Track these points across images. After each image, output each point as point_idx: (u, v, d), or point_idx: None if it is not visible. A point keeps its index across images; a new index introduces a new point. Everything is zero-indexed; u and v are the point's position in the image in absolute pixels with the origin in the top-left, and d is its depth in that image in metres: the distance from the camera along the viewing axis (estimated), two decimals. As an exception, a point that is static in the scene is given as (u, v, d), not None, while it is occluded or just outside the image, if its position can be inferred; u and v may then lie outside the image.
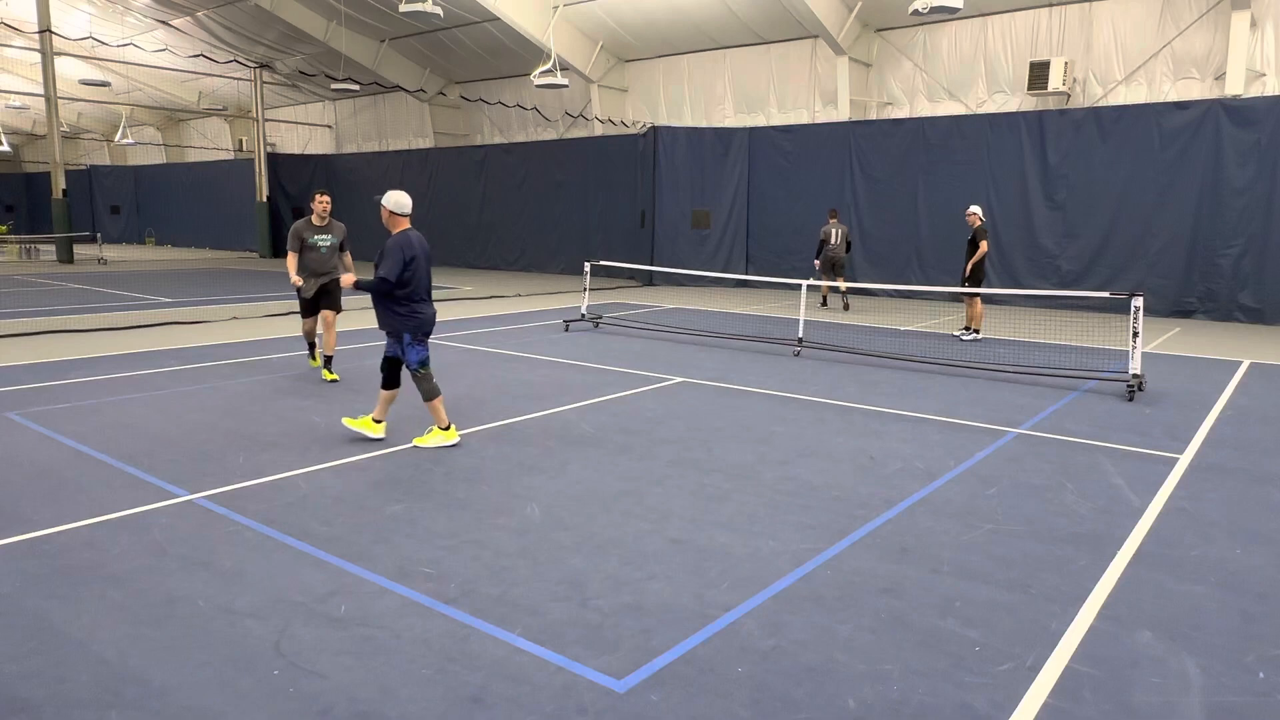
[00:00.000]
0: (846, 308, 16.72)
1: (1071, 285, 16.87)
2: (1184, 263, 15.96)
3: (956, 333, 13.13)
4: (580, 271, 18.01)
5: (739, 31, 21.43)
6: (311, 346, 9.59)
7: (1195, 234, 15.79)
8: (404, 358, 6.46)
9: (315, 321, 9.27)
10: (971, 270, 12.43)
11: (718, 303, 17.85)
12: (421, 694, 3.17)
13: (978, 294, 12.26)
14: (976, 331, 12.72)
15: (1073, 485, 5.77)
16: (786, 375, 9.62)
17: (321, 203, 8.76)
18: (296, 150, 34.70)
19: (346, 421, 6.74)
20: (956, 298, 12.81)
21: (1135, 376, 8.67)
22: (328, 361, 8.98)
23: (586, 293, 14.23)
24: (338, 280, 8.94)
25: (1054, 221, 17.26)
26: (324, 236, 8.82)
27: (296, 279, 8.61)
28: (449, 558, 4.41)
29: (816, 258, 16.42)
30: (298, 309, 9.53)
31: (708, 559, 4.44)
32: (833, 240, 16.08)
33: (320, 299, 9.02)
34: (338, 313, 9.11)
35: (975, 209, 12.59)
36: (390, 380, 6.56)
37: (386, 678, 3.28)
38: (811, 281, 13.15)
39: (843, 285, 16.44)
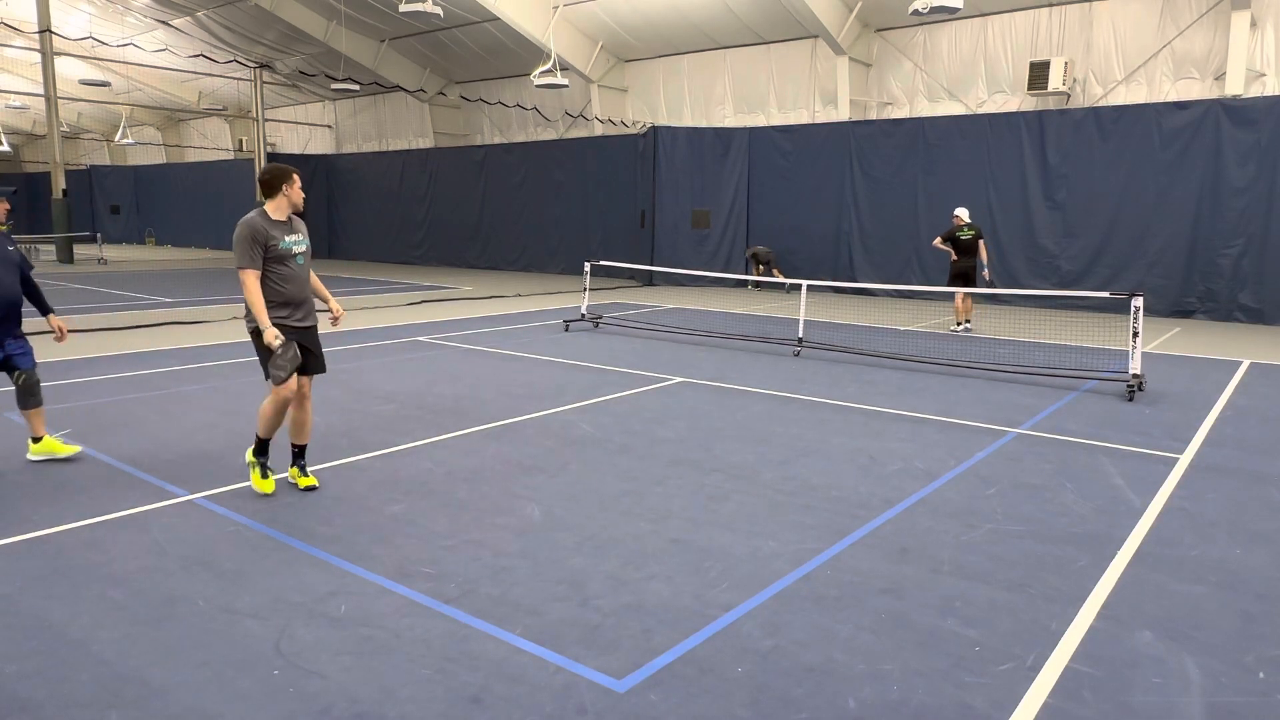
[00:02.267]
0: (757, 286, 20.97)
1: (1071, 285, 16.87)
2: (1184, 263, 15.96)
3: (955, 329, 13.65)
4: (580, 271, 18.01)
5: (739, 31, 21.44)
6: (262, 448, 5.43)
7: (1195, 234, 15.80)
8: (20, 362, 5.98)
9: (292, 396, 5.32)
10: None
11: (718, 303, 17.85)
12: (421, 694, 3.17)
13: (955, 291, 13.16)
14: (958, 324, 13.64)
15: (1073, 485, 5.77)
16: (786, 375, 9.62)
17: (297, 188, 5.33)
18: (296, 150, 34.71)
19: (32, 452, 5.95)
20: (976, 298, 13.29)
21: (1135, 376, 8.67)
22: (300, 455, 5.54)
23: (586, 293, 14.23)
24: (314, 326, 5.49)
25: (1054, 221, 17.26)
26: (297, 239, 5.32)
27: (274, 332, 5.03)
28: (449, 558, 4.41)
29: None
30: (278, 364, 5.10)
31: (708, 559, 4.44)
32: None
33: (304, 355, 5.34)
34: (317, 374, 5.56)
35: (958, 211, 13.36)
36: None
37: (386, 678, 3.28)
38: (797, 282, 13.18)
39: (757, 275, 19.76)
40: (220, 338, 11.74)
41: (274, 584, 4.06)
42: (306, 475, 5.54)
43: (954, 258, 13.21)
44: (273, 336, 5.02)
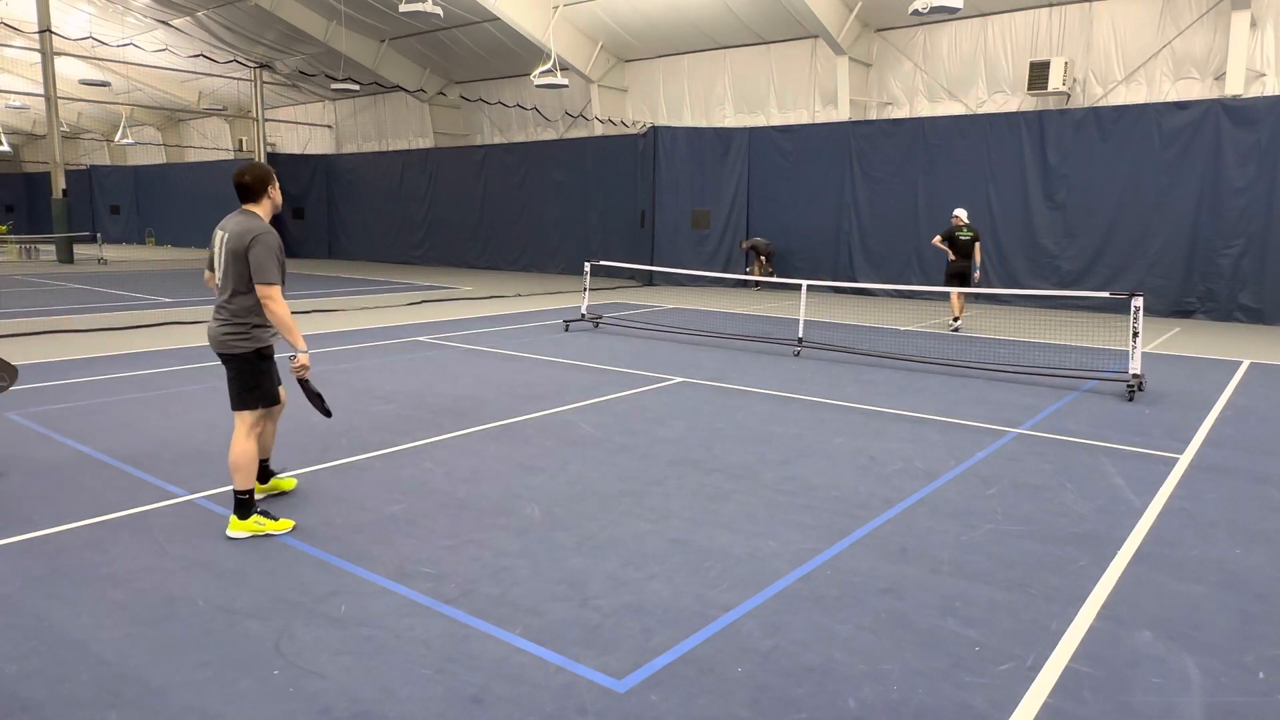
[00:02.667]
0: (758, 286, 20.85)
1: (1071, 285, 16.87)
2: (1184, 263, 15.96)
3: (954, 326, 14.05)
4: (580, 271, 18.01)
5: (739, 31, 21.43)
6: (248, 504, 4.69)
7: (1195, 234, 15.80)
8: None
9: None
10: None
11: (718, 303, 17.85)
12: (421, 694, 3.17)
13: (951, 290, 13.53)
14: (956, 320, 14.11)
15: (1073, 485, 5.77)
16: (786, 375, 9.62)
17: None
18: (296, 150, 34.70)
19: None
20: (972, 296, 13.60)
21: (1135, 376, 8.67)
22: (267, 464, 5.22)
23: (586, 293, 14.22)
24: None
25: (1054, 221, 17.27)
26: None
27: (306, 357, 4.75)
28: (449, 558, 4.41)
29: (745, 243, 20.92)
30: (267, 387, 4.88)
31: (708, 559, 4.44)
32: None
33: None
34: None
35: (957, 211, 13.68)
36: None
37: (386, 678, 3.28)
38: (797, 282, 13.20)
39: (758, 269, 20.57)
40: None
41: (274, 584, 4.06)
42: (285, 477, 5.44)
43: (951, 257, 13.51)
44: (308, 360, 4.68)
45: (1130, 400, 8.50)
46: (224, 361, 4.75)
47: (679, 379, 9.30)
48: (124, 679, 3.25)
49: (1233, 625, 3.80)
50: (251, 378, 4.72)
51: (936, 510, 5.22)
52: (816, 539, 4.73)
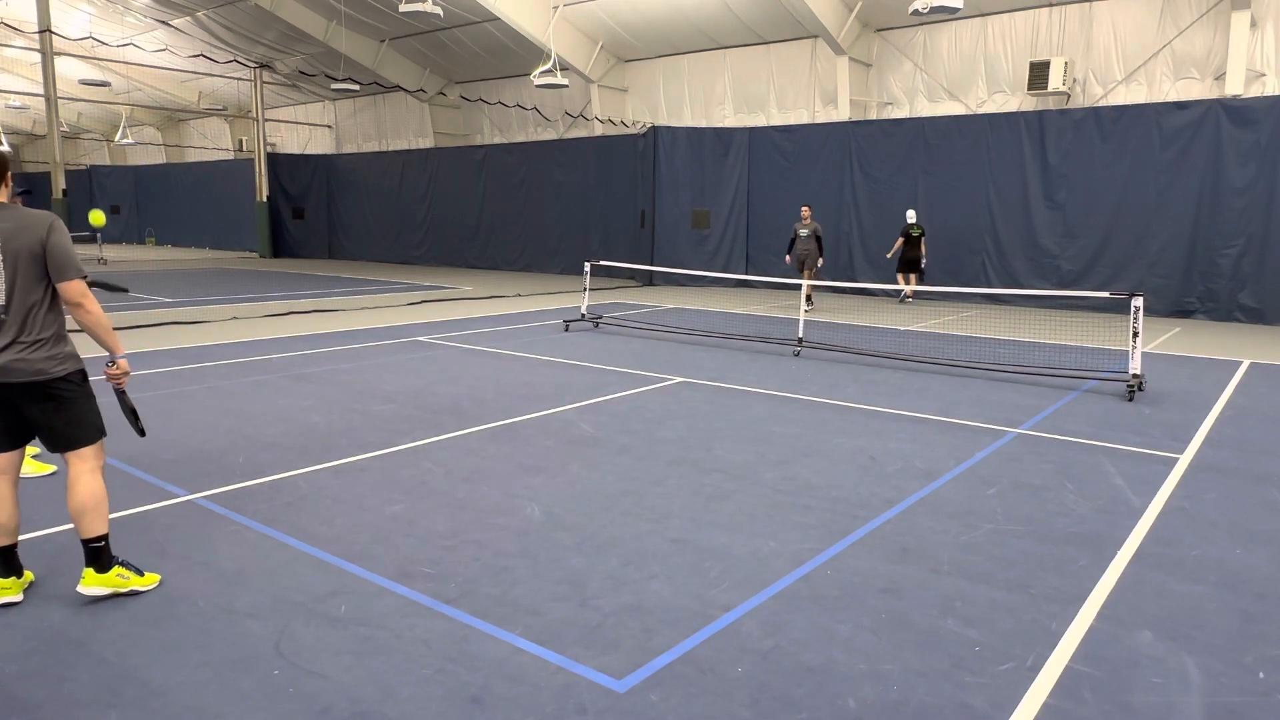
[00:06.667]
0: (810, 303, 17.02)
1: (1071, 285, 16.88)
2: (1184, 263, 15.97)
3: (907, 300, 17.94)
4: (580, 271, 18.01)
5: (739, 31, 21.43)
6: (104, 552, 3.82)
7: (1195, 234, 15.80)
8: None
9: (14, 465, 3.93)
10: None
11: (718, 303, 17.85)
12: (421, 694, 3.17)
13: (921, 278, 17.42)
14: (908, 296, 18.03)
15: (1073, 485, 5.77)
16: (786, 375, 9.62)
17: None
18: (296, 150, 34.69)
19: None
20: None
21: (1135, 376, 8.67)
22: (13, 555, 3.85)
23: (586, 293, 14.22)
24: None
25: (1054, 221, 17.27)
26: None
27: (126, 363, 4.16)
28: (449, 558, 4.41)
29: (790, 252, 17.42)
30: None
31: (708, 559, 4.44)
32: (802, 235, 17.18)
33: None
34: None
35: (908, 213, 17.61)
36: None
37: (386, 678, 3.28)
38: (798, 282, 13.25)
39: (808, 277, 16.58)
40: (220, 338, 11.74)
41: (274, 584, 4.06)
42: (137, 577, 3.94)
43: (896, 250, 17.61)
44: (128, 366, 4.02)
45: (1130, 400, 8.50)
46: (31, 394, 3.74)
47: (679, 379, 9.30)
48: (124, 679, 3.25)
49: (1233, 625, 3.80)
50: (84, 401, 3.92)
51: (936, 510, 5.22)
52: (816, 539, 4.74)
